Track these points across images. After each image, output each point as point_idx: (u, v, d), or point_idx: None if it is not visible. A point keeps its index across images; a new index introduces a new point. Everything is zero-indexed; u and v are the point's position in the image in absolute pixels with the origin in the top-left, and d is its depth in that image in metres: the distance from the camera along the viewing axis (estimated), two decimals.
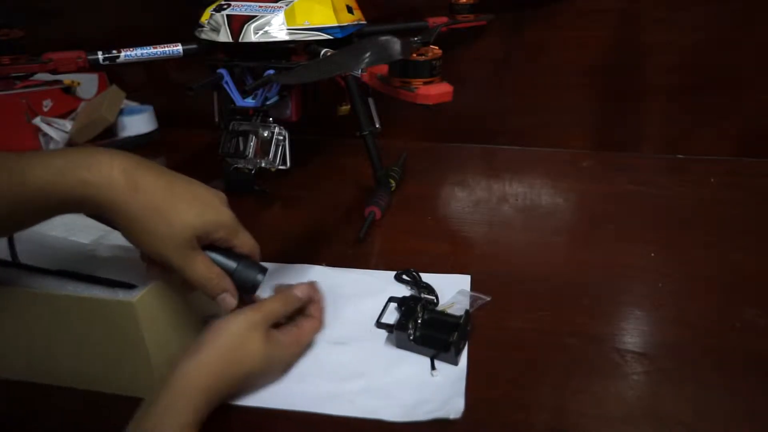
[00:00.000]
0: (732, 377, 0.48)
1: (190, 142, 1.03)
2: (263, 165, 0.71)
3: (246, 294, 0.49)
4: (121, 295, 0.45)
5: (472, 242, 0.70)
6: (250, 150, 0.70)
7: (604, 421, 0.45)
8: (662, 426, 0.44)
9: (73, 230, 0.55)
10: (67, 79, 0.97)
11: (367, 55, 0.56)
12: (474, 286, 0.60)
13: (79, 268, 0.48)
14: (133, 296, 0.45)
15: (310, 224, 0.75)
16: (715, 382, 0.48)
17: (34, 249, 0.51)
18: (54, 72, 0.74)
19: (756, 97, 0.86)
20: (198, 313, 0.51)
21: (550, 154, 0.94)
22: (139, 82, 1.05)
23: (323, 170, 0.91)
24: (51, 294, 0.46)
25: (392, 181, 0.80)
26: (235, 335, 0.45)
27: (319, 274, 0.63)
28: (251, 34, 0.68)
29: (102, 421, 0.47)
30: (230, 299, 0.47)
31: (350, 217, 0.75)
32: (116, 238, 0.46)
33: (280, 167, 0.71)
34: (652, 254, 0.65)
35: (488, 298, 0.57)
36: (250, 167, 0.74)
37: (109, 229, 0.46)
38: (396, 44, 0.56)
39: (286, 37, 0.68)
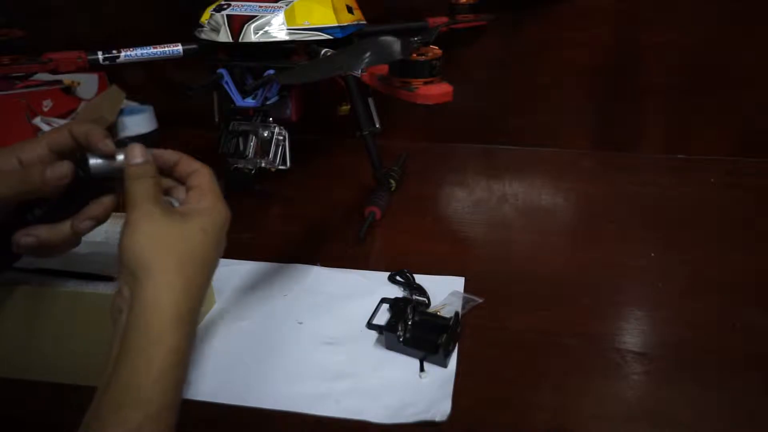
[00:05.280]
0: (732, 377, 0.48)
1: (189, 142, 1.02)
2: (263, 165, 0.71)
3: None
4: (101, 287, 0.46)
5: (471, 242, 0.70)
6: (250, 150, 0.70)
7: (604, 421, 0.45)
8: (662, 426, 0.44)
9: None
10: (67, 79, 0.97)
11: (367, 55, 0.56)
12: (473, 286, 0.60)
13: (58, 265, 0.48)
14: (114, 289, 0.45)
15: (310, 224, 0.75)
16: (715, 382, 0.48)
17: None
18: (54, 72, 0.74)
19: (756, 97, 0.86)
20: None
21: (550, 154, 0.94)
22: (139, 82, 1.05)
23: (323, 170, 0.91)
24: (32, 289, 0.46)
25: (392, 181, 0.79)
26: (145, 237, 0.38)
27: (314, 274, 0.63)
28: (251, 34, 0.68)
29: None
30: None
31: (350, 217, 0.74)
32: (95, 234, 0.46)
33: (280, 167, 0.71)
34: (652, 254, 0.65)
35: (480, 300, 0.57)
36: (250, 167, 0.74)
37: None
38: (396, 44, 0.57)
39: (286, 37, 0.68)
